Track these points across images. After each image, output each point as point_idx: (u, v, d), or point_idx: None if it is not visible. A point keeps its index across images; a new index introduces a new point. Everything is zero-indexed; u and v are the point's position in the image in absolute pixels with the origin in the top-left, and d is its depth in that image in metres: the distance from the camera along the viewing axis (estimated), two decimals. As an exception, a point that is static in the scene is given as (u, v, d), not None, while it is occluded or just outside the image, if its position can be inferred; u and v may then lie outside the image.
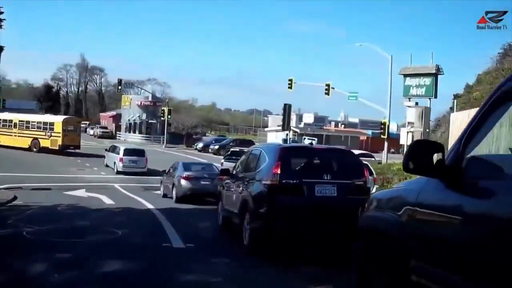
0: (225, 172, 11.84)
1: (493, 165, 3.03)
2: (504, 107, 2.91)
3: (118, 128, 73.27)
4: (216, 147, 52.09)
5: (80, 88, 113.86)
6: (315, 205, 8.04)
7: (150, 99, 69.06)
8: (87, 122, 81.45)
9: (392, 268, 3.37)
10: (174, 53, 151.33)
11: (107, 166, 31.62)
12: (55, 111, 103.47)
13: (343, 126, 77.18)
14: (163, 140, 60.93)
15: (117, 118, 75.21)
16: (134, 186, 24.45)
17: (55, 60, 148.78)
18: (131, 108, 69.40)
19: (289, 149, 9.80)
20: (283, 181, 8.09)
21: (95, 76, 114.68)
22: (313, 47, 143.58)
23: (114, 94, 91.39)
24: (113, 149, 31.13)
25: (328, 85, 47.74)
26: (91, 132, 71.93)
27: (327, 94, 46.35)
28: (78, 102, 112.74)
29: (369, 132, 71.63)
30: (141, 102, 68.89)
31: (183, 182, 17.90)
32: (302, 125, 71.23)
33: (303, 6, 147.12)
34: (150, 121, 68.83)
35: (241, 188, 9.45)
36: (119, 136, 69.31)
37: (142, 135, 68.44)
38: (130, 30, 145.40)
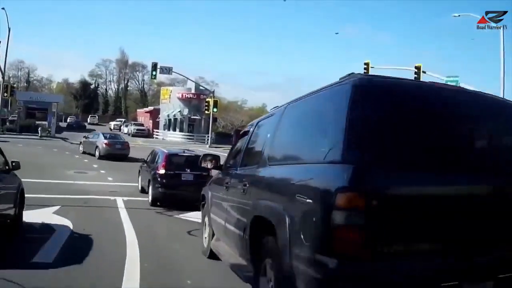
0: (144, 161, 19.04)
1: (233, 163, 6.85)
2: (242, 139, 6.74)
3: (156, 125, 64.20)
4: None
5: (121, 85, 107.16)
6: (182, 183, 14.93)
7: (193, 91, 59.29)
8: (122, 120, 73.39)
9: (208, 208, 7.72)
10: (222, 59, 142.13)
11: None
12: (94, 109, 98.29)
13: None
14: (208, 139, 51.32)
15: (154, 114, 65.99)
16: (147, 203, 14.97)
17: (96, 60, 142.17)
18: (170, 102, 60.10)
19: (170, 154, 16.49)
20: (166, 171, 14.98)
21: (137, 73, 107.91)
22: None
23: (157, 92, 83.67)
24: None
25: (418, 68, 37.43)
26: (125, 130, 63.20)
27: (417, 79, 35.65)
28: (118, 100, 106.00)
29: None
30: (182, 95, 59.34)
31: (104, 146, 27.85)
32: None
33: (348, 10, 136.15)
34: (193, 116, 59.32)
35: (148, 172, 16.31)
36: (157, 135, 60.21)
37: (183, 133, 58.87)
38: (176, 31, 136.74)
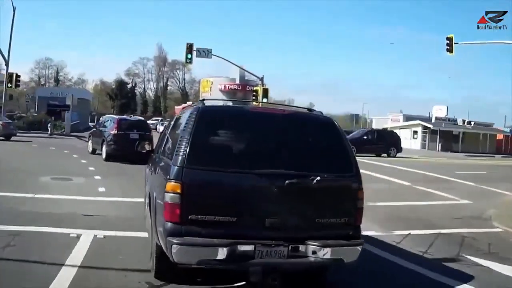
0: (94, 126, 25.02)
1: (155, 150, 7.64)
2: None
3: (195, 123, 56.60)
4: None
5: (160, 84, 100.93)
6: (130, 140, 18.24)
7: (237, 81, 51.69)
8: (159, 119, 66.47)
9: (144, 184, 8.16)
10: (264, 60, 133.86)
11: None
12: (131, 110, 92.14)
13: (472, 123, 64.68)
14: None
15: (194, 110, 58.47)
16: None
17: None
18: (211, 94, 52.56)
19: (121, 119, 21.49)
20: (118, 132, 19.48)
21: (177, 71, 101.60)
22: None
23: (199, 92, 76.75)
24: None
25: (518, 42, 29.11)
26: (161, 128, 55.93)
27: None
28: (157, 100, 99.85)
29: (507, 130, 65.93)
30: (225, 86, 51.90)
31: (1, 126, 29.41)
32: (433, 119, 62.51)
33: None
34: (238, 111, 51.43)
35: (101, 134, 20.66)
36: (196, 134, 52.56)
37: (226, 132, 50.96)
38: (216, 30, 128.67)
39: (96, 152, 20.91)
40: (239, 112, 5.88)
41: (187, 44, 37.45)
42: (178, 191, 4.81)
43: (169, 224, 4.82)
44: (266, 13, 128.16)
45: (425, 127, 58.36)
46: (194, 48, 37.44)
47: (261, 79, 41.56)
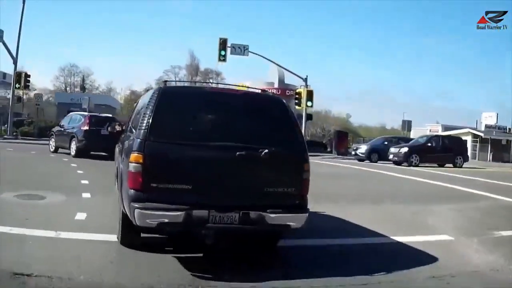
0: (59, 125, 22.89)
1: (126, 129, 8.04)
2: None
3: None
4: (405, 149, 28.92)
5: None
6: (101, 137, 19.27)
7: (276, 85, 46.67)
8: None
9: (115, 159, 8.86)
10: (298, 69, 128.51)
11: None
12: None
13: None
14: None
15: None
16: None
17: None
18: (247, 100, 47.93)
19: (92, 115, 21.88)
20: (90, 128, 19.85)
21: (210, 80, 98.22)
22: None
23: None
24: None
25: None
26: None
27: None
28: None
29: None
30: (262, 91, 47.13)
31: None
32: (483, 127, 58.95)
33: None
34: (276, 118, 46.66)
35: (69, 132, 20.77)
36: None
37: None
38: (250, 35, 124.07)
39: (59, 151, 21.38)
40: (197, 92, 6.49)
41: (220, 39, 33.06)
42: (141, 161, 5.25)
43: (132, 191, 5.26)
44: (293, 18, 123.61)
45: (475, 136, 53.85)
46: (228, 44, 33.21)
47: (305, 80, 36.62)
